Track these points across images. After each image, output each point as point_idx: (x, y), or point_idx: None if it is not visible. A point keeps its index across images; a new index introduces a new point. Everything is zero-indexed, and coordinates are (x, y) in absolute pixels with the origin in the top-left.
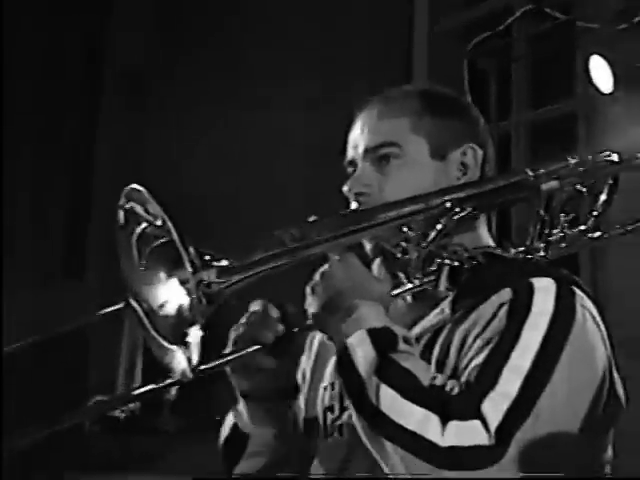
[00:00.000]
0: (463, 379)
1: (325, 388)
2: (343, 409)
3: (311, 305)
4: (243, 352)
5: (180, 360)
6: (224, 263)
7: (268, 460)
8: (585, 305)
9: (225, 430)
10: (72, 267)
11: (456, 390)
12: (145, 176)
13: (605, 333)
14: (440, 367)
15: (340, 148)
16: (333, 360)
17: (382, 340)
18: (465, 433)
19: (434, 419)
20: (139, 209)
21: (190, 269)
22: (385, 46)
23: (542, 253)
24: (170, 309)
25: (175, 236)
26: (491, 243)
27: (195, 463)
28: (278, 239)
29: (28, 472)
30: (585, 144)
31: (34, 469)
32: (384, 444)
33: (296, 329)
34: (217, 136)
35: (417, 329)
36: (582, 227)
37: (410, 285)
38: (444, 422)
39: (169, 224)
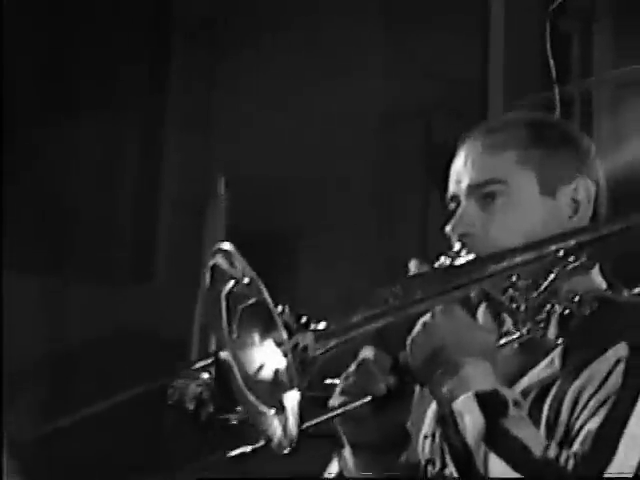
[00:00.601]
0: (576, 446)
1: (426, 437)
2: (444, 463)
3: (412, 358)
4: (353, 405)
5: (276, 427)
6: (321, 326)
7: None
8: None
9: (330, 476)
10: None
11: (571, 463)
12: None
13: None
14: (551, 428)
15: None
16: (433, 407)
17: (491, 405)
18: None
19: None
20: (226, 266)
21: (284, 334)
22: (461, 7)
23: None
24: (267, 373)
25: (266, 296)
26: (604, 285)
27: None
28: (380, 297)
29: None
30: None
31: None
32: None
33: (408, 380)
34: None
35: (525, 381)
36: None
37: (517, 334)
38: None
39: (258, 283)
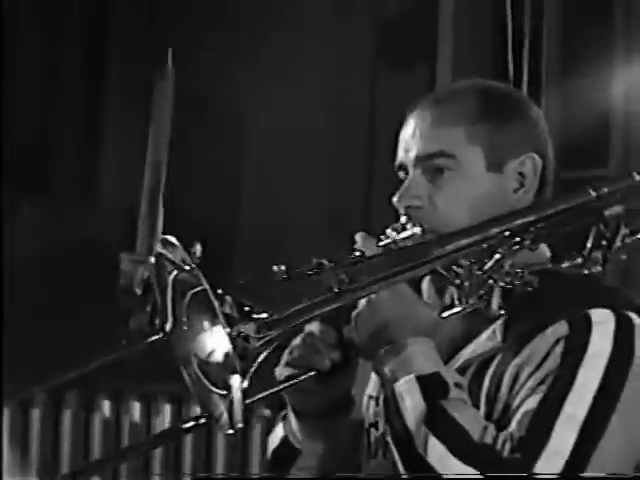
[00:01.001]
0: (514, 425)
1: (370, 397)
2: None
3: (357, 335)
4: (297, 380)
5: (222, 409)
6: (264, 315)
7: (317, 473)
8: None
9: (274, 441)
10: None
11: (508, 446)
12: None
13: None
14: (491, 402)
15: None
16: None
17: (432, 388)
18: None
19: None
20: (170, 256)
21: (225, 325)
22: None
23: (599, 268)
24: (216, 357)
25: (206, 286)
26: (548, 254)
27: None
28: (324, 284)
29: None
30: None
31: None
32: None
33: (352, 355)
34: None
35: (469, 348)
36: None
37: (461, 307)
38: None
39: (198, 273)
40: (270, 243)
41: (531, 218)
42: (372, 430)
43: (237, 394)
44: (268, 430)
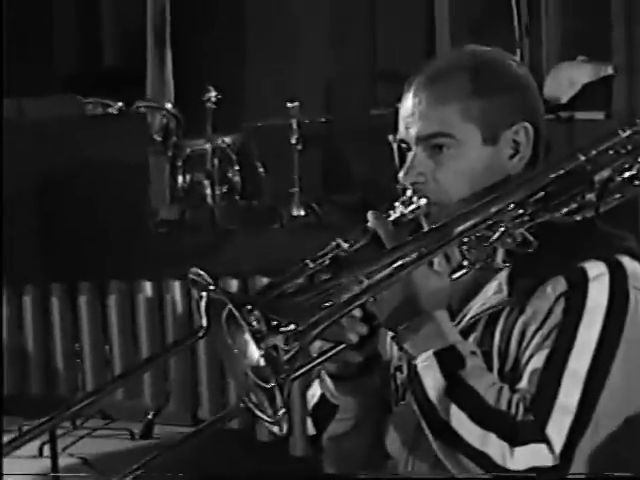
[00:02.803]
0: (524, 384)
1: (393, 339)
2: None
3: (379, 311)
4: (329, 355)
5: (267, 405)
6: (290, 327)
7: (354, 424)
8: (637, 284)
9: (314, 398)
10: None
11: (521, 408)
12: None
13: None
14: (502, 356)
15: None
16: None
17: (449, 361)
18: (532, 457)
19: (504, 446)
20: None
21: (254, 342)
22: None
23: (591, 213)
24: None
25: (232, 307)
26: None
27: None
28: (344, 287)
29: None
30: None
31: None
32: (459, 458)
33: (376, 326)
34: None
35: (475, 305)
36: (629, 174)
37: (467, 269)
38: (513, 447)
39: (223, 297)
40: None
41: (528, 191)
42: (397, 374)
43: (278, 394)
44: None
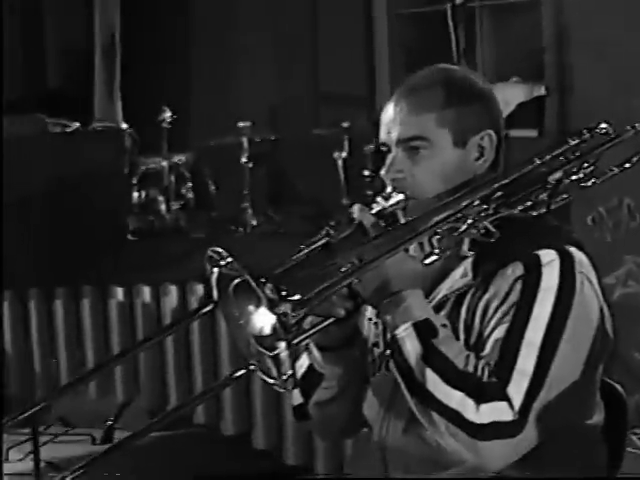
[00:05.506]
0: (488, 351)
1: (369, 320)
2: (387, 345)
3: (363, 290)
4: (321, 327)
5: (272, 368)
6: (297, 297)
7: (337, 391)
8: (582, 270)
9: (302, 368)
10: None
11: (486, 372)
12: None
13: (597, 287)
14: (468, 330)
15: None
16: None
17: (425, 331)
18: (495, 413)
19: (470, 403)
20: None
21: (269, 306)
22: None
23: (544, 210)
24: (266, 331)
25: (250, 279)
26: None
27: None
28: (339, 266)
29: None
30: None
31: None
32: (432, 415)
33: (360, 302)
34: None
35: (444, 287)
36: (576, 177)
37: (438, 256)
38: (478, 404)
39: (241, 269)
40: None
41: (492, 188)
42: (375, 349)
43: (284, 354)
44: None
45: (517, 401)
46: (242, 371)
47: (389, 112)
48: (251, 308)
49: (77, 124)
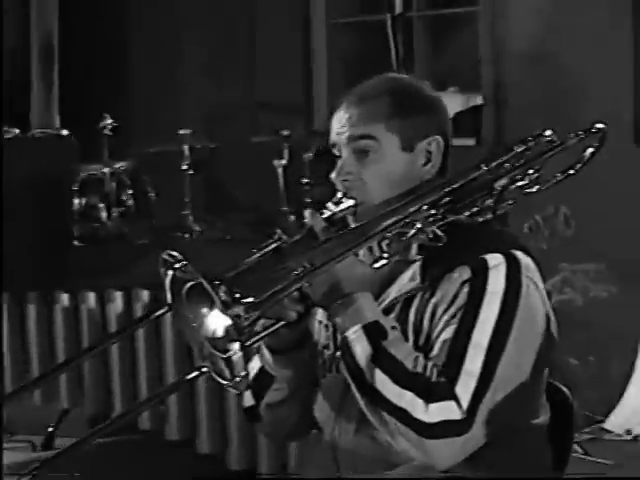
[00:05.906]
0: (435, 352)
1: (320, 323)
2: (337, 347)
3: (313, 292)
4: (273, 329)
5: (225, 369)
6: (250, 299)
7: (287, 393)
8: (529, 274)
9: (254, 370)
10: None
11: (435, 372)
12: None
13: (543, 291)
14: (416, 332)
15: None
16: None
17: (374, 333)
18: (444, 412)
19: (420, 402)
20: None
21: (223, 308)
22: None
23: (490, 215)
24: (218, 332)
25: (203, 281)
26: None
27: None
28: (290, 270)
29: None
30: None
31: None
32: (382, 415)
33: (311, 305)
34: None
35: (393, 290)
36: (521, 183)
37: (387, 260)
38: (427, 403)
39: (195, 272)
40: None
41: (440, 194)
42: (325, 351)
43: (236, 355)
44: None
45: (465, 400)
46: (195, 373)
47: (340, 118)
48: (205, 310)
49: (17, 130)
